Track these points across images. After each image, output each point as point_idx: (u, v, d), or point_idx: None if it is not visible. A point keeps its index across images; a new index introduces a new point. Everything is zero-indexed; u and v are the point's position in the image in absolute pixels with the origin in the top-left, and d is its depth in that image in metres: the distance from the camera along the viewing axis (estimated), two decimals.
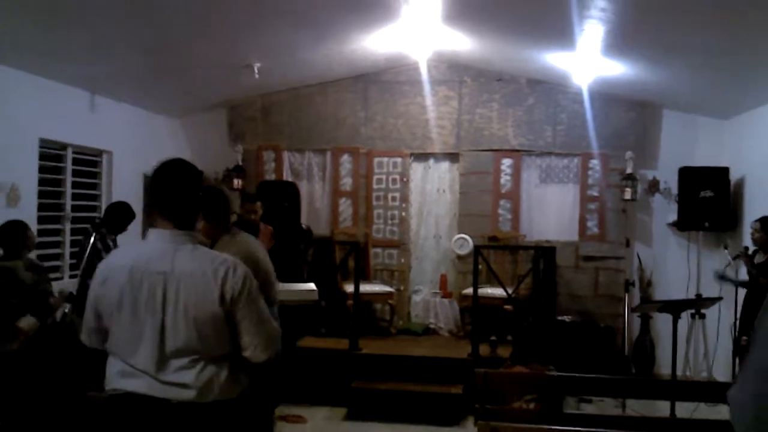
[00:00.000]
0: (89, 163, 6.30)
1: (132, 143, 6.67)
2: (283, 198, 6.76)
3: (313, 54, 6.27)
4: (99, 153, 6.38)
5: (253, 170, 7.36)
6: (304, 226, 6.99)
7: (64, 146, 5.85)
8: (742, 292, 5.50)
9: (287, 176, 7.42)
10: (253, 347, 2.18)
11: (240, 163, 7.28)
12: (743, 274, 5.59)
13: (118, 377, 2.15)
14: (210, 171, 6.91)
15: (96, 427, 2.25)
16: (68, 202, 5.90)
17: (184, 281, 2.11)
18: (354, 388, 5.63)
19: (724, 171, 6.49)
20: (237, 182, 7.13)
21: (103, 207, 6.02)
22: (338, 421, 5.47)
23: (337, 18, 5.31)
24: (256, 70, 6.05)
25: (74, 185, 6.01)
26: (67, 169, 5.91)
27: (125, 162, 6.54)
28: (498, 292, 6.35)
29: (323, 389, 5.78)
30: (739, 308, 5.47)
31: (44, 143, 5.52)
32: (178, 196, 2.22)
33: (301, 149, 7.49)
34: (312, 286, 5.49)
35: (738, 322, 5.46)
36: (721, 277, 5.52)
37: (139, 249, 2.23)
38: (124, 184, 6.47)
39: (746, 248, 5.47)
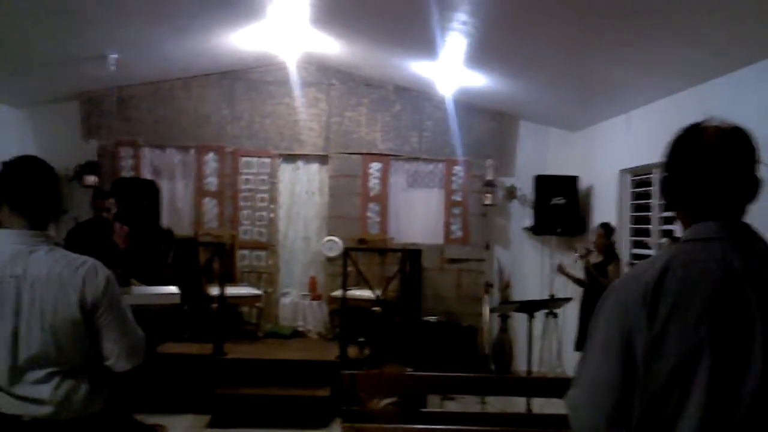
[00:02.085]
0: None
1: None
2: (141, 196, 6.40)
3: (175, 47, 6.00)
4: None
5: (109, 167, 6.91)
6: (164, 226, 6.66)
7: None
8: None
9: (147, 174, 7.03)
10: (115, 355, 2.05)
11: (94, 159, 6.80)
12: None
13: None
14: (60, 167, 6.35)
15: None
16: None
17: (40, 285, 1.94)
18: (218, 395, 5.43)
19: (574, 179, 6.97)
20: (90, 179, 6.64)
21: None
22: (201, 429, 5.25)
23: (198, 11, 5.11)
24: (111, 62, 5.69)
25: None
26: None
27: None
28: (367, 294, 6.40)
29: (186, 397, 5.53)
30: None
31: None
32: (35, 194, 2.04)
33: (162, 146, 7.13)
34: (174, 289, 5.25)
35: (579, 321, 5.83)
36: (559, 269, 6.01)
37: None
38: None
39: (588, 249, 5.89)
